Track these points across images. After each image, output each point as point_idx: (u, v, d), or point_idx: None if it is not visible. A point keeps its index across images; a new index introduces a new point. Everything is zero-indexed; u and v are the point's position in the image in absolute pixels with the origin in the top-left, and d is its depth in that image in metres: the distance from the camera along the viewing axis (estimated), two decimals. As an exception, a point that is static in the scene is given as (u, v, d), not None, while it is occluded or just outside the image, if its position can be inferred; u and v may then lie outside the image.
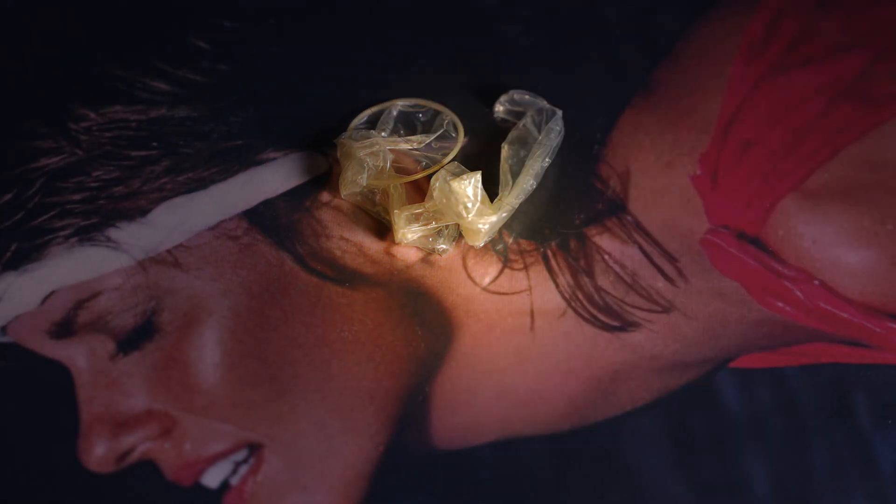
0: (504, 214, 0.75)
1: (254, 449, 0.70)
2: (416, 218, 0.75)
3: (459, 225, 0.75)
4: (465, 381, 0.72)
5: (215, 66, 0.82)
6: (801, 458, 0.70)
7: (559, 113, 0.78)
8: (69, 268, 0.75)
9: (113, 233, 0.76)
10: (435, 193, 0.74)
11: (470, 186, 0.73)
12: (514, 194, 0.75)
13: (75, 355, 0.72)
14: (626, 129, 0.80)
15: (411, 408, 0.72)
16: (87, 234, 0.76)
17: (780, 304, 0.75)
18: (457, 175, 0.74)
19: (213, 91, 0.81)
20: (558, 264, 0.76)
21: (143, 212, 0.77)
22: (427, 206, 0.74)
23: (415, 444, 0.71)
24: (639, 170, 0.79)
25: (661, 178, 0.79)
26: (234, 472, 0.70)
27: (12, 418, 0.71)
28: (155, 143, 0.79)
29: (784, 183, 0.78)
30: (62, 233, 0.76)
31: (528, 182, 0.76)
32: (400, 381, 0.72)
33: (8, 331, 0.73)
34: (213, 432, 0.71)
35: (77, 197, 0.77)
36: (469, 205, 0.73)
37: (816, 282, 0.75)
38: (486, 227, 0.74)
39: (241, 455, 0.70)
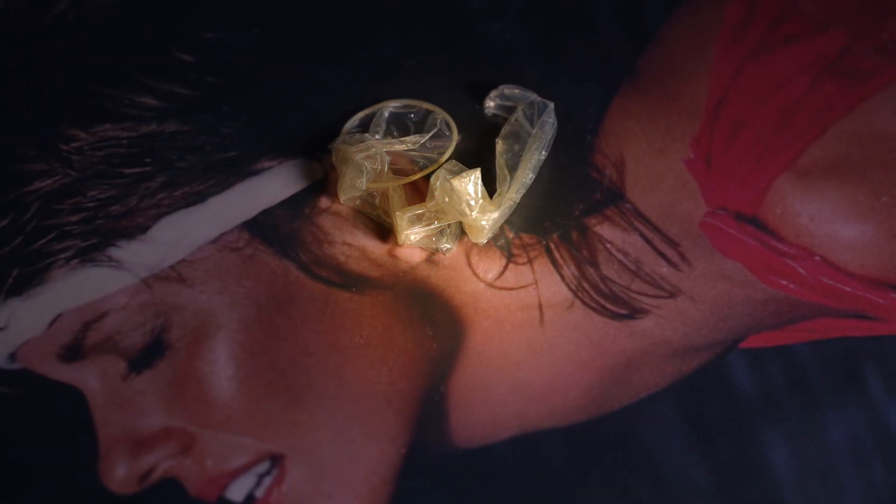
0: (506, 210, 0.75)
1: (276, 460, 0.70)
2: (418, 219, 0.75)
3: (462, 223, 0.75)
4: (479, 378, 0.73)
5: (202, 78, 0.82)
6: (818, 434, 0.71)
7: (551, 105, 0.79)
8: (73, 290, 0.74)
9: (114, 252, 0.75)
10: (436, 193, 0.74)
11: (471, 184, 0.73)
12: (515, 189, 0.75)
13: (87, 377, 0.72)
14: (616, 118, 0.81)
15: (429, 409, 0.72)
16: (88, 254, 0.75)
17: (784, 282, 0.75)
18: (456, 173, 0.74)
19: (202, 103, 0.81)
20: (562, 256, 0.76)
21: (143, 229, 0.76)
22: (429, 206, 0.75)
23: (435, 444, 0.71)
24: (633, 157, 0.79)
25: (655, 164, 0.79)
26: (258, 484, 0.70)
27: (30, 445, 0.70)
28: (148, 160, 0.78)
29: (777, 162, 0.79)
30: (63, 255, 0.75)
31: (526, 176, 0.76)
32: (415, 383, 0.72)
33: (17, 357, 0.73)
34: (233, 446, 0.70)
35: (74, 218, 0.76)
36: (472, 202, 0.73)
37: (817, 258, 0.76)
38: (489, 223, 0.74)
39: (263, 467, 0.70)
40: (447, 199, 0.74)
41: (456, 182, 0.73)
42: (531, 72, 0.83)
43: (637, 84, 0.82)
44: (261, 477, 0.70)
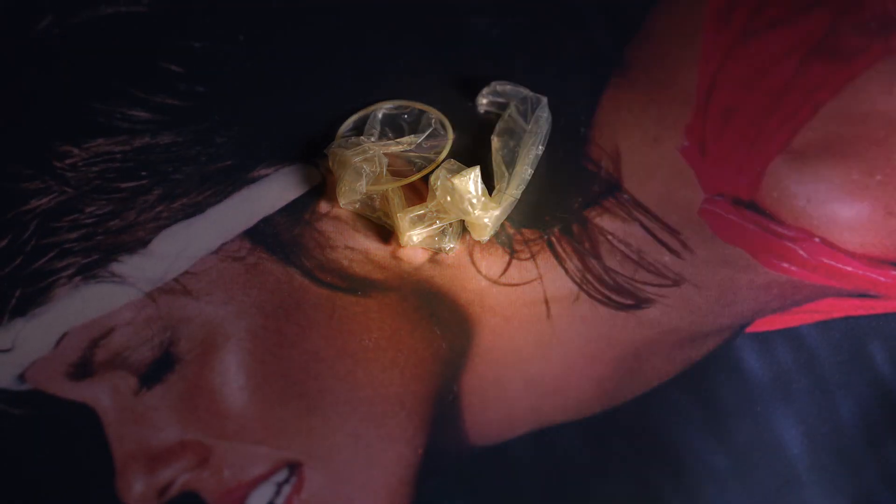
0: (507, 206, 0.75)
1: (293, 468, 0.70)
2: (420, 219, 0.75)
3: (464, 221, 0.75)
4: (491, 375, 0.73)
5: (192, 88, 0.81)
6: (830, 413, 0.72)
7: (544, 100, 0.79)
8: (78, 307, 0.74)
9: (116, 267, 0.75)
10: (437, 192, 0.74)
11: (471, 182, 0.74)
12: (514, 185, 0.75)
13: (98, 395, 0.72)
14: (609, 109, 0.81)
15: (443, 408, 0.72)
16: (90, 271, 0.75)
17: (785, 265, 0.76)
18: (455, 172, 0.74)
19: (193, 114, 0.80)
20: (564, 250, 0.76)
21: (144, 243, 0.76)
22: (430, 206, 0.75)
23: (452, 444, 0.71)
24: (628, 148, 0.80)
25: (650, 153, 0.79)
26: (278, 493, 0.70)
27: (45, 466, 0.70)
28: (144, 173, 0.78)
29: (770, 145, 0.79)
30: (65, 273, 0.75)
31: (525, 171, 0.76)
32: (427, 383, 0.72)
33: (26, 378, 0.72)
34: (250, 456, 0.70)
35: (74, 235, 0.76)
36: (473, 201, 0.74)
37: (817, 239, 0.76)
38: (492, 220, 0.74)
39: (281, 475, 0.70)
40: (449, 199, 0.74)
41: (457, 181, 0.73)
42: (520, 67, 0.83)
43: (627, 74, 0.83)
44: (280, 485, 0.70)
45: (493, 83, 0.80)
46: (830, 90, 0.81)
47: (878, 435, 0.71)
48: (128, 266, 0.75)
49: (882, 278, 0.75)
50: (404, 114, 0.80)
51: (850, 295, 0.75)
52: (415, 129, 0.79)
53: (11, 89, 0.82)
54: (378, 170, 0.76)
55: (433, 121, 0.79)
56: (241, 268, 0.75)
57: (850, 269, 0.76)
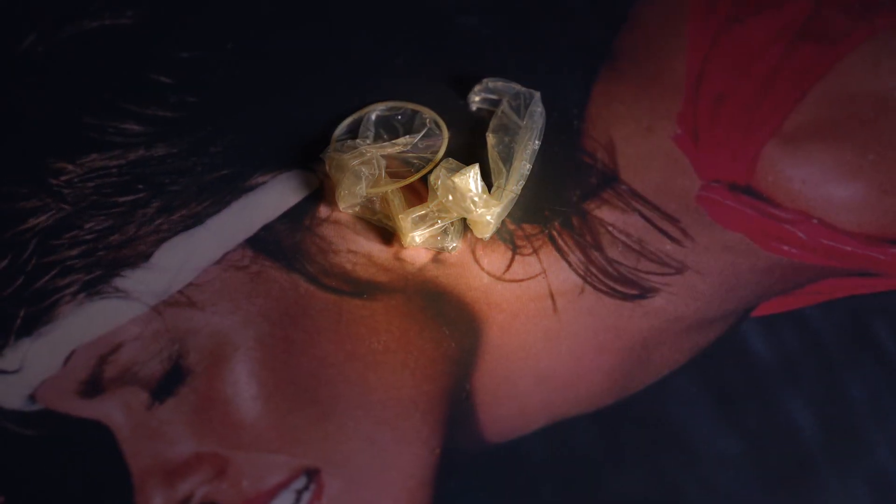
0: (508, 203, 0.75)
1: (311, 475, 0.70)
2: (421, 220, 0.75)
3: (465, 220, 0.75)
4: (501, 372, 0.73)
5: (183, 99, 0.81)
6: (839, 393, 0.72)
7: (537, 95, 0.79)
8: (83, 325, 0.73)
9: (119, 282, 0.75)
10: (438, 192, 0.74)
11: (471, 180, 0.74)
12: (514, 180, 0.76)
13: (111, 411, 0.71)
14: (600, 101, 0.81)
15: (456, 407, 0.72)
16: (93, 287, 0.74)
17: (785, 248, 0.76)
18: (454, 171, 0.74)
19: (187, 124, 0.80)
20: (566, 243, 0.77)
21: (145, 256, 0.76)
22: (431, 205, 0.75)
23: (468, 442, 0.71)
24: (622, 138, 0.80)
25: (645, 143, 0.80)
26: (298, 500, 0.70)
27: (62, 485, 0.70)
28: (141, 186, 0.78)
29: (762, 130, 0.80)
30: (68, 290, 0.74)
31: (524, 167, 0.76)
32: (439, 383, 0.72)
33: (37, 398, 0.72)
34: (267, 465, 0.70)
35: (74, 252, 0.76)
36: (475, 199, 0.74)
37: (814, 220, 0.77)
38: (494, 217, 0.74)
39: (300, 483, 0.70)
40: (450, 198, 0.74)
41: (457, 179, 0.73)
42: (510, 63, 0.83)
43: (616, 66, 0.83)
44: (299, 493, 0.70)
45: (484, 80, 0.81)
46: (818, 72, 0.82)
47: (887, 411, 0.72)
48: (131, 281, 0.75)
49: (881, 256, 0.76)
50: (398, 115, 0.80)
51: (851, 274, 0.76)
52: (409, 129, 0.79)
53: (1, 108, 0.81)
54: (377, 172, 0.76)
55: (427, 121, 0.79)
56: (244, 277, 0.75)
57: (849, 248, 0.76)
